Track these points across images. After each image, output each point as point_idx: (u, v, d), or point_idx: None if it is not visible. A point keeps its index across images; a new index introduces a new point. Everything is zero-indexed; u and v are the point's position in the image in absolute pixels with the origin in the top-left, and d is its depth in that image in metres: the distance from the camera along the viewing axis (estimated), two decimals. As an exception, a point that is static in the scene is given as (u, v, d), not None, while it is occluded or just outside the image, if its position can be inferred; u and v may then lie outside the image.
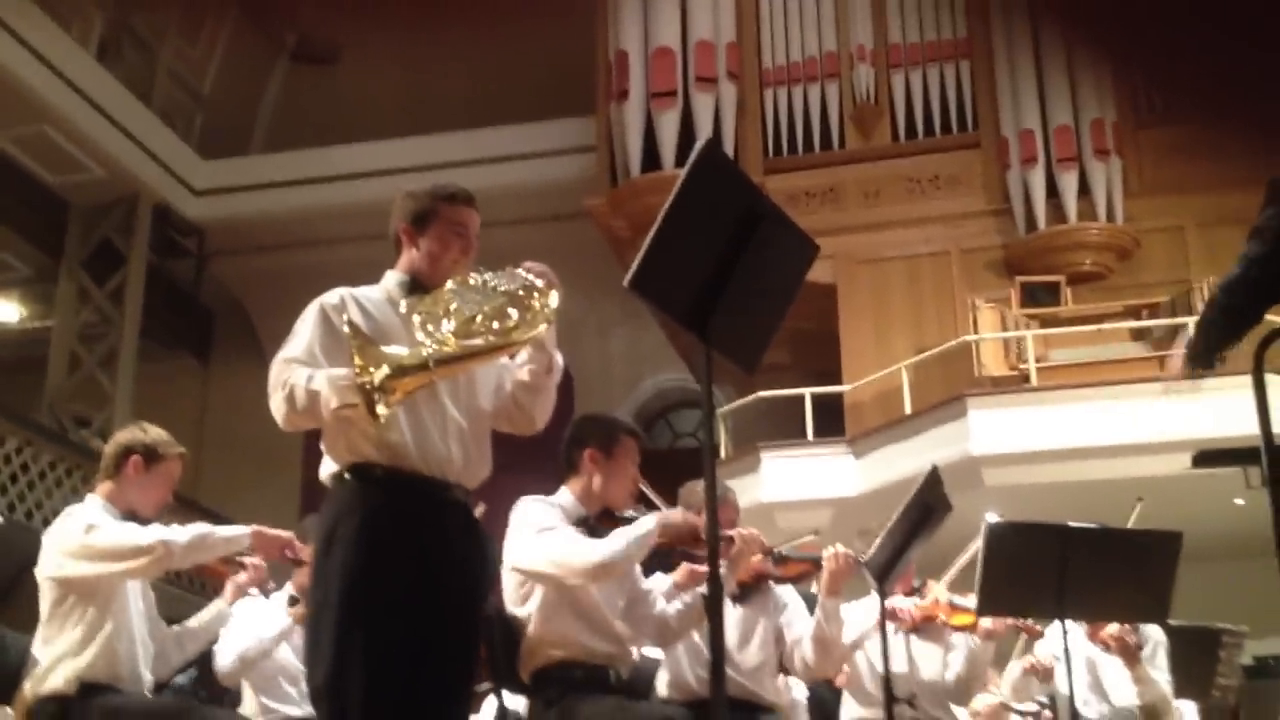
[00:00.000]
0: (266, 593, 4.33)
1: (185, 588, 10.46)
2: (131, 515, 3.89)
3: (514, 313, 2.85)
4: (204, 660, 4.40)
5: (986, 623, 4.77)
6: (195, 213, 14.91)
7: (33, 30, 12.27)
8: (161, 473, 3.95)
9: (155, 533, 3.69)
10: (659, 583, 4.08)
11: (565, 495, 3.81)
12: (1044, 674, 5.38)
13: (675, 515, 3.62)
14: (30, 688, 3.72)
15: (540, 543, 3.60)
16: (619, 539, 3.54)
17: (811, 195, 12.26)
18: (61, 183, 13.74)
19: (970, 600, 4.85)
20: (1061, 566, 4.23)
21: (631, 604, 3.87)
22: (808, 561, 4.14)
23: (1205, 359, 3.16)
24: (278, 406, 2.86)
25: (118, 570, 3.68)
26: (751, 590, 4.29)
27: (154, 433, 3.98)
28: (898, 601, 4.88)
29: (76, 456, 11.91)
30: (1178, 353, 3.00)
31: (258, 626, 4.52)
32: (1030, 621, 4.98)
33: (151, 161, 14.12)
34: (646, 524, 3.55)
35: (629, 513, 3.77)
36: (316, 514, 3.06)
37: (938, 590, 4.99)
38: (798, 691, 4.73)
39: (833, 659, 4.33)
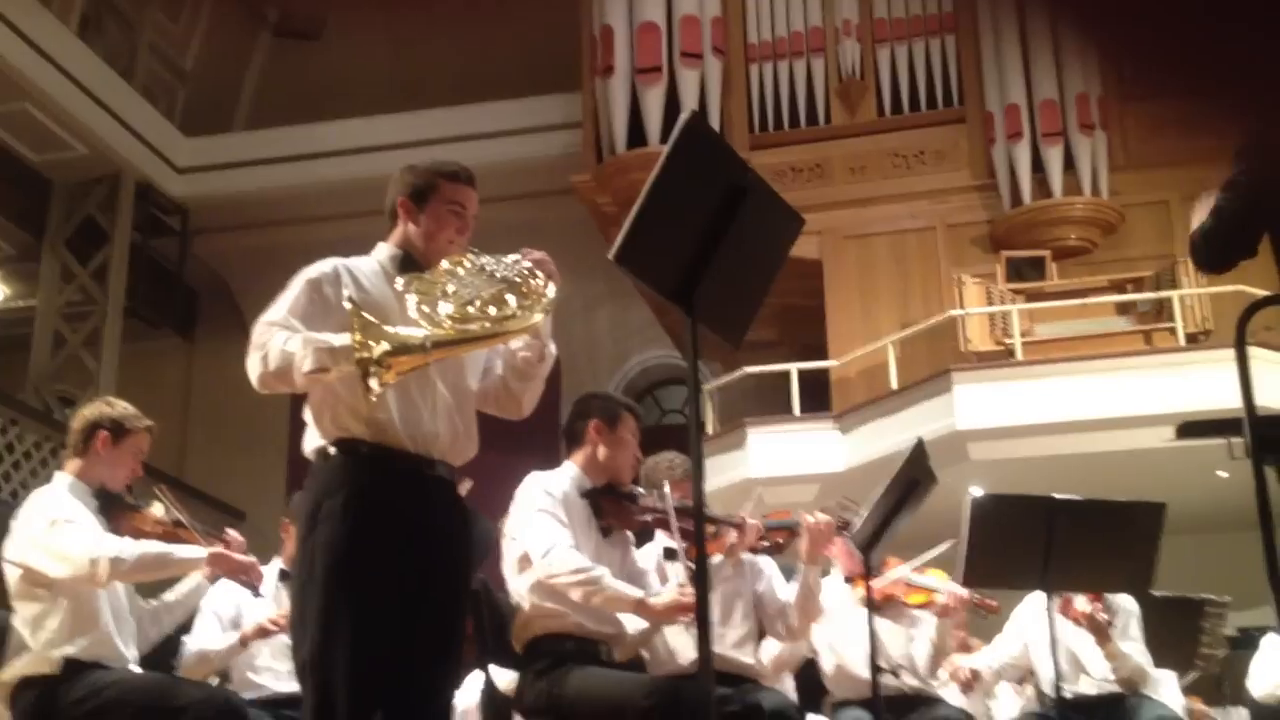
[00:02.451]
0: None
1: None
2: (102, 491, 3.88)
3: (512, 300, 2.85)
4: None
5: (941, 599, 4.83)
6: (178, 190, 14.82)
7: (12, 6, 12.15)
8: (129, 447, 3.94)
9: (107, 547, 3.67)
10: (651, 562, 4.13)
11: (571, 468, 3.91)
12: (965, 684, 5.40)
13: (659, 602, 3.65)
14: (13, 670, 3.72)
15: (535, 527, 3.66)
16: (598, 580, 3.59)
17: (797, 171, 12.25)
18: (43, 161, 13.63)
19: (929, 578, 4.92)
20: (1046, 538, 4.26)
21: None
22: (784, 530, 4.18)
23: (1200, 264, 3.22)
24: (253, 366, 2.87)
25: (65, 576, 3.68)
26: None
27: (120, 407, 3.97)
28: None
29: (61, 436, 11.78)
30: (1205, 204, 2.99)
31: (239, 608, 4.53)
32: (984, 596, 5.01)
33: (134, 139, 14.02)
34: (631, 593, 3.64)
35: (630, 489, 3.84)
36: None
37: (898, 569, 5.03)
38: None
39: (813, 621, 4.38)
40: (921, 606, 4.95)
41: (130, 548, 3.70)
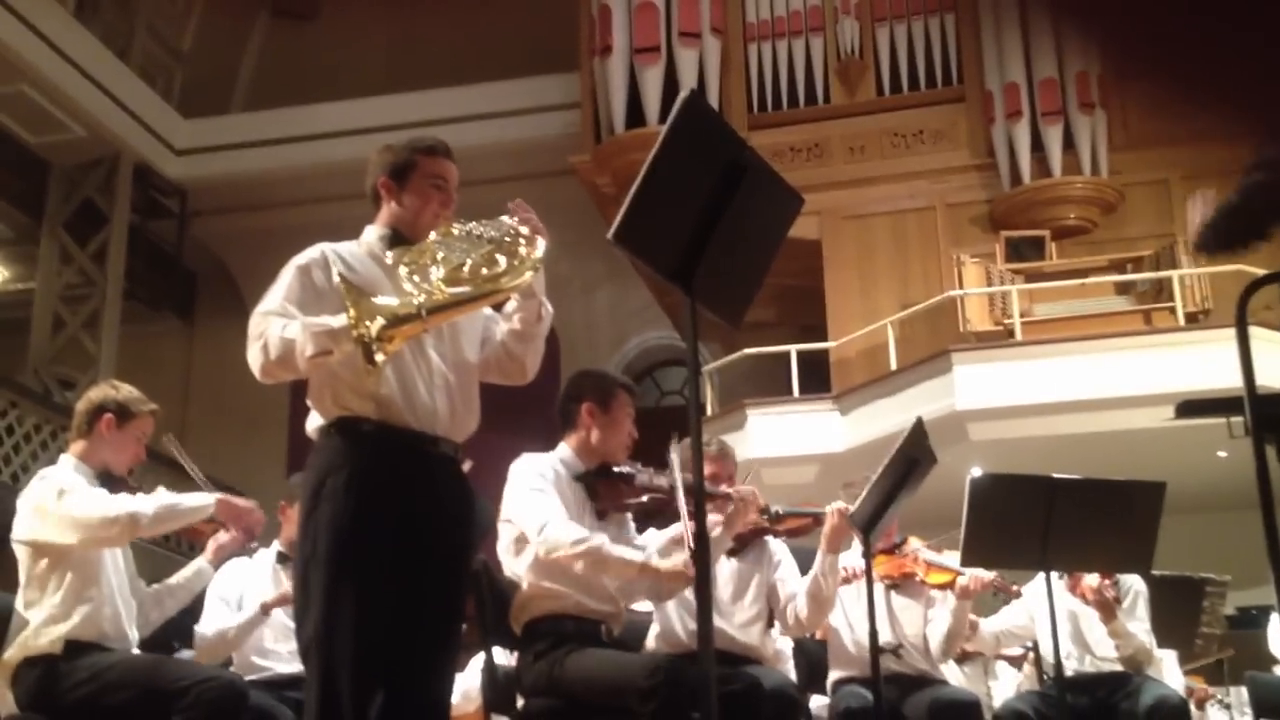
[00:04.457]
0: (250, 552, 4.33)
1: (171, 548, 10.46)
2: (105, 473, 3.88)
3: (502, 259, 2.86)
4: (192, 618, 4.41)
5: (964, 580, 4.79)
6: (176, 172, 14.80)
7: (9, -12, 12.13)
8: (134, 430, 3.94)
9: (123, 504, 3.69)
10: (652, 540, 4.11)
11: (564, 450, 3.88)
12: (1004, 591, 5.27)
13: (666, 564, 3.65)
14: (15, 650, 3.73)
15: (530, 506, 3.64)
16: (607, 547, 3.59)
17: (796, 151, 12.23)
18: (41, 143, 13.61)
19: (948, 558, 4.89)
20: (1045, 517, 4.26)
21: None
22: (808, 516, 4.18)
23: (1208, 248, 3.21)
24: (254, 357, 2.87)
25: (86, 540, 3.69)
26: (747, 545, 4.34)
27: (125, 390, 3.97)
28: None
29: (62, 419, 11.85)
30: (1199, 203, 2.98)
31: (243, 592, 4.53)
32: (1006, 581, 4.98)
33: (132, 120, 13.99)
34: (634, 557, 3.64)
35: (625, 468, 3.81)
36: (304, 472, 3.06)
37: (917, 547, 5.01)
38: (782, 642, 4.76)
39: (824, 614, 4.37)
40: (942, 587, 4.91)
41: (145, 502, 3.72)
